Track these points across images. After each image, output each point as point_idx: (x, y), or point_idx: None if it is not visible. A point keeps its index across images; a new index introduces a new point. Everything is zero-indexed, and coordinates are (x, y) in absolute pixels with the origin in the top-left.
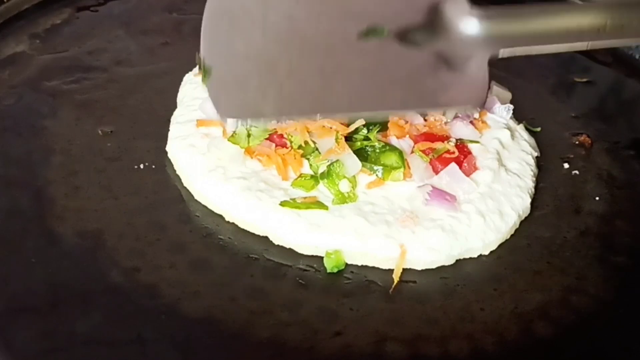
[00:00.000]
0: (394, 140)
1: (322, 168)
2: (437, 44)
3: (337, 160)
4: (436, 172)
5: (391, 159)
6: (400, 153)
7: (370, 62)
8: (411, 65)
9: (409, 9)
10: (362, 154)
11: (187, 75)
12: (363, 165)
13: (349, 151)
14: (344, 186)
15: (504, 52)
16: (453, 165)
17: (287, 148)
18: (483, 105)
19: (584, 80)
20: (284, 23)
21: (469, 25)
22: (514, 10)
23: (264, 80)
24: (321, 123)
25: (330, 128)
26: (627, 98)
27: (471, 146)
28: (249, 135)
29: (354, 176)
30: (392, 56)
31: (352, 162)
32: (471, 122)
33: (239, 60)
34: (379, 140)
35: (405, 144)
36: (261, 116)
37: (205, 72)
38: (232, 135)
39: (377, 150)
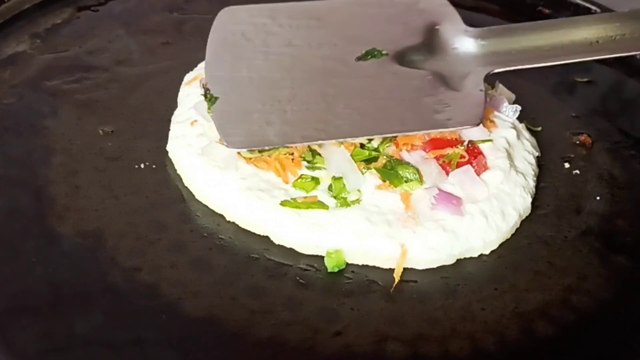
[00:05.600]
0: (405, 155)
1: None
2: (434, 63)
3: (340, 178)
4: (446, 173)
5: (408, 170)
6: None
7: (370, 84)
8: (411, 85)
9: (406, 32)
10: (385, 172)
11: (187, 75)
12: (390, 181)
13: (354, 168)
14: (353, 197)
15: (498, 69)
16: (468, 168)
17: None
18: (480, 123)
19: (585, 80)
20: (285, 50)
21: (465, 44)
22: (507, 29)
23: (268, 107)
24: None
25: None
26: (628, 98)
27: (482, 146)
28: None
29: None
30: (392, 77)
31: (355, 178)
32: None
33: (243, 89)
34: (390, 157)
35: (417, 156)
36: (267, 144)
37: (211, 103)
38: None
39: (392, 162)
